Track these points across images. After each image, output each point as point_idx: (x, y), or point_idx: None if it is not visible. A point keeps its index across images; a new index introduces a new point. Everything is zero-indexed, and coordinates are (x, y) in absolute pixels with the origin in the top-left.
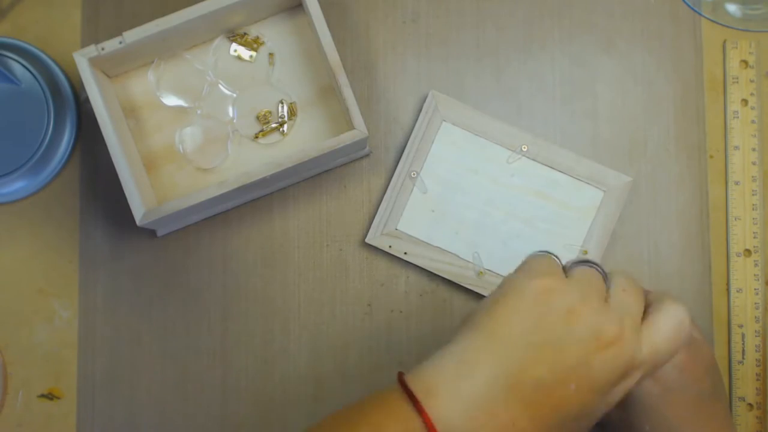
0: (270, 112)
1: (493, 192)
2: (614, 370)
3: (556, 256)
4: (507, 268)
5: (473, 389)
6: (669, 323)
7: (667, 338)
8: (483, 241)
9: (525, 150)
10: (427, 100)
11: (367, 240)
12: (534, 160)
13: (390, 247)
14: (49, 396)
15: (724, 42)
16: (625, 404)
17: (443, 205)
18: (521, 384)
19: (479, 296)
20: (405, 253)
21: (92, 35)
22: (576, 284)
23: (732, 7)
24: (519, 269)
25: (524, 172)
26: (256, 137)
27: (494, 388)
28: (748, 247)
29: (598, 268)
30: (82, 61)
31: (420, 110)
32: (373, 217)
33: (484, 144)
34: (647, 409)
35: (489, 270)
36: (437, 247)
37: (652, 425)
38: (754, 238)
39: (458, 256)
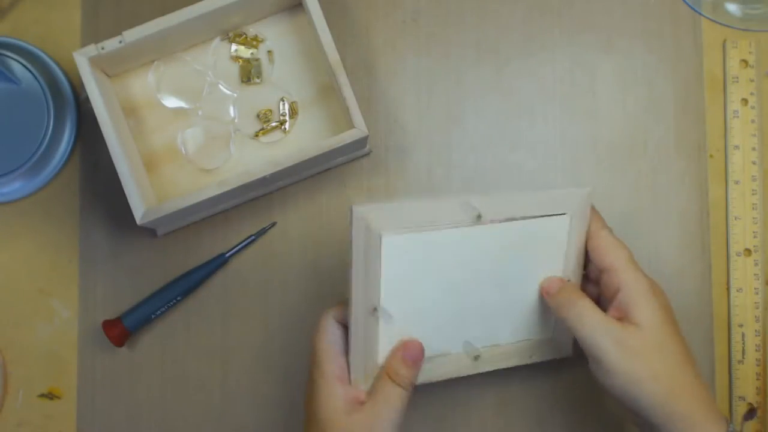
0: (270, 111)
1: (460, 276)
2: None
3: None
4: (501, 338)
5: None
6: None
7: None
8: (468, 327)
9: (478, 218)
10: (353, 222)
11: (353, 385)
12: (490, 222)
13: None
14: (49, 396)
15: (724, 41)
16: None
17: (415, 318)
18: None
19: (482, 376)
20: None
21: (92, 35)
22: None
23: (732, 7)
24: None
25: (484, 239)
26: (257, 135)
27: None
28: (748, 247)
29: None
30: (82, 60)
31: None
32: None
33: (434, 237)
34: None
35: (484, 347)
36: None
37: None
38: (754, 237)
39: (450, 353)
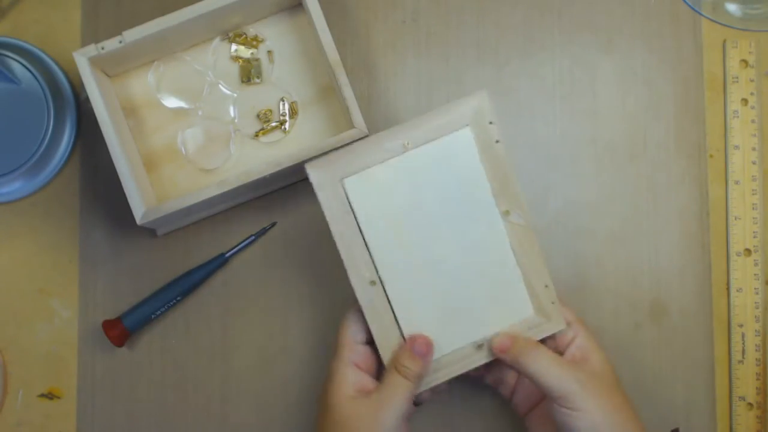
0: (270, 111)
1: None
2: None
3: None
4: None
5: None
6: None
7: None
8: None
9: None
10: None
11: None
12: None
13: None
14: (49, 396)
15: (724, 41)
16: None
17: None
18: None
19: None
20: None
21: (92, 35)
22: None
23: (732, 7)
24: None
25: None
26: (257, 135)
27: None
28: (748, 247)
29: None
30: (82, 60)
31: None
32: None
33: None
34: None
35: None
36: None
37: None
38: (754, 237)
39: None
